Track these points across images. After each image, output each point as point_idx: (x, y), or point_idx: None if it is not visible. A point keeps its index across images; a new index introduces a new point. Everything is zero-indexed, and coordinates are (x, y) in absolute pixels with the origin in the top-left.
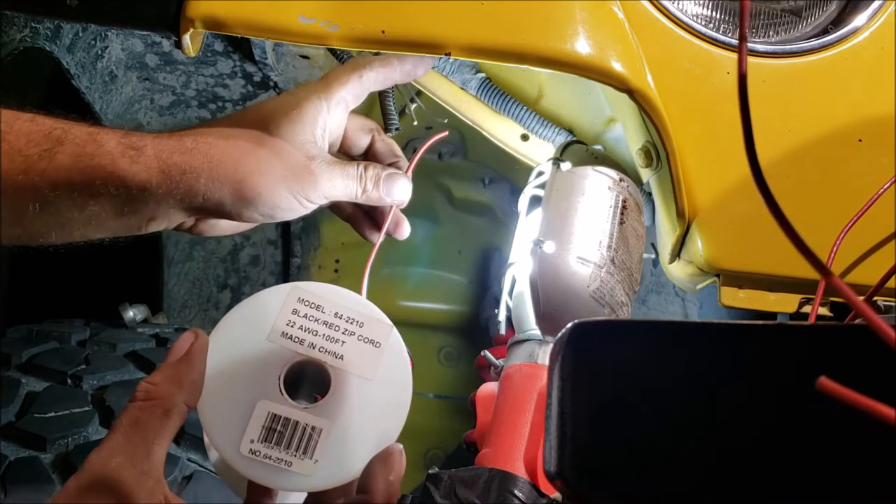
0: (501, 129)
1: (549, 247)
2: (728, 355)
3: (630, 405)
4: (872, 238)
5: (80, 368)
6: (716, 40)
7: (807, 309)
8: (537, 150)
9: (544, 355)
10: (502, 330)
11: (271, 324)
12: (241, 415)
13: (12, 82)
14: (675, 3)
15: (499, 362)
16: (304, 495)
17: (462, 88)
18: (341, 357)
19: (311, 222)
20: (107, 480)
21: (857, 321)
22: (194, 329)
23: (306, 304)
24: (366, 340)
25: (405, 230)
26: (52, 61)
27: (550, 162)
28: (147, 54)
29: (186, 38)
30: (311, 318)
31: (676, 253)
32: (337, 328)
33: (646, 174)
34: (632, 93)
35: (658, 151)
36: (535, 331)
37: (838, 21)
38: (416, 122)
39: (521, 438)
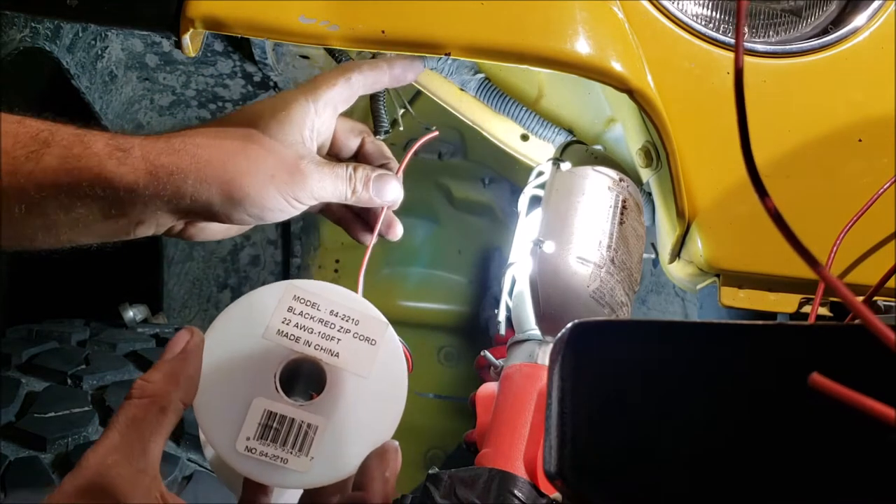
0: (501, 129)
1: (549, 247)
2: (728, 355)
3: (630, 405)
4: (872, 238)
5: (80, 368)
6: (716, 40)
7: (807, 309)
8: (537, 150)
9: (544, 355)
10: (502, 330)
11: (267, 321)
12: (236, 412)
13: (12, 82)
14: (675, 3)
15: (499, 362)
16: (299, 492)
17: (461, 89)
18: (337, 354)
19: (310, 222)
20: (103, 478)
21: (856, 321)
22: (190, 327)
23: (302, 301)
24: (361, 338)
25: (398, 231)
26: (52, 61)
27: (550, 162)
28: (147, 54)
29: (186, 38)
30: (306, 316)
31: (676, 253)
32: (332, 326)
33: (646, 174)
34: (632, 93)
35: (658, 151)
36: (535, 331)
37: (838, 21)
38: (402, 129)
39: (521, 438)
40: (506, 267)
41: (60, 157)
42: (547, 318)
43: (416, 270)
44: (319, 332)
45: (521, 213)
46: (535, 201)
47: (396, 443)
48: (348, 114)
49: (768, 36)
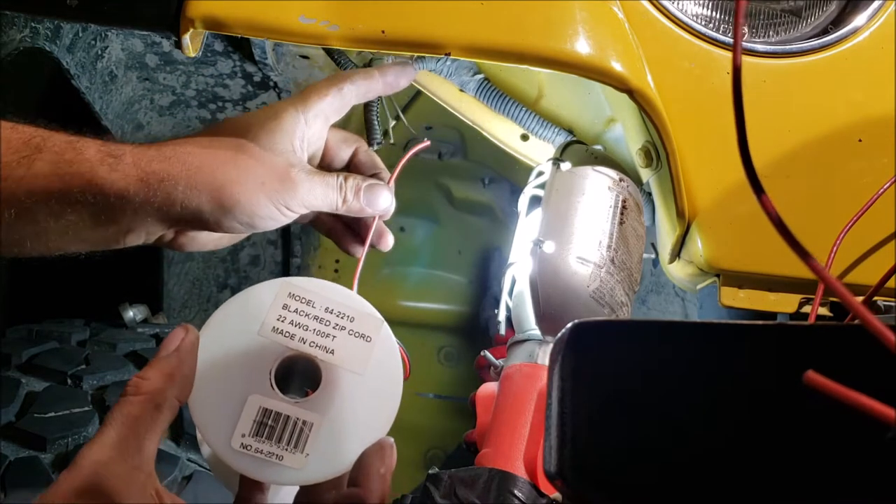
0: (501, 130)
1: (549, 247)
2: (728, 355)
3: (630, 405)
4: (872, 238)
5: (80, 368)
6: (715, 40)
7: (807, 309)
8: (537, 150)
9: (544, 355)
10: (502, 330)
11: (262, 319)
12: (232, 409)
13: (12, 82)
14: (675, 3)
15: (499, 362)
16: (295, 489)
17: (461, 90)
18: (332, 351)
19: None
20: (98, 476)
21: (856, 321)
22: (185, 324)
23: (297, 299)
24: (356, 335)
25: (389, 241)
26: (52, 61)
27: (550, 162)
28: (147, 54)
29: (186, 38)
30: (301, 313)
31: (676, 253)
32: (328, 323)
33: (646, 174)
34: (632, 93)
35: (658, 151)
36: (535, 331)
37: (838, 21)
38: (392, 142)
39: (521, 438)
40: (506, 267)
41: (52, 163)
42: (547, 318)
43: (415, 270)
44: (315, 330)
45: (521, 213)
46: (535, 201)
47: (392, 439)
48: (344, 124)
49: (768, 36)
